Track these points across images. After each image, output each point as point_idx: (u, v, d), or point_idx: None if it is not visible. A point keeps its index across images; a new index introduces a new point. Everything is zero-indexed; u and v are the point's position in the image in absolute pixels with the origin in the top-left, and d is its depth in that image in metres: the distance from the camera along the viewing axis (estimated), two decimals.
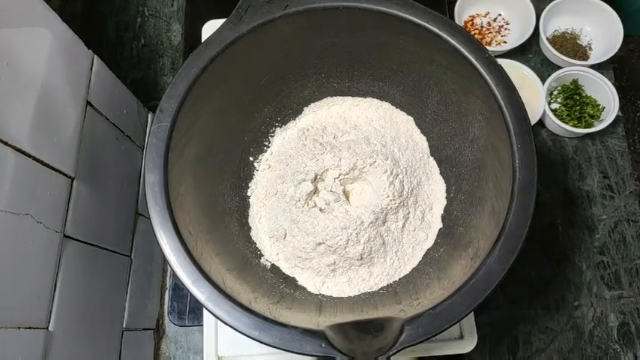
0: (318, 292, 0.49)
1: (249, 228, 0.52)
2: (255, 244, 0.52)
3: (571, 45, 0.77)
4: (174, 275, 0.40)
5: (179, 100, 0.42)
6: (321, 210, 0.49)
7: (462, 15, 0.79)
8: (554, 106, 0.74)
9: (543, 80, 0.72)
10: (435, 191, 0.52)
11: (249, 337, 0.36)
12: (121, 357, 0.59)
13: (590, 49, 0.77)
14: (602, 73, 0.72)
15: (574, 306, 0.68)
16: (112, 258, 0.59)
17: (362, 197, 0.51)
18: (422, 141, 0.54)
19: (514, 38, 0.78)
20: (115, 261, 0.60)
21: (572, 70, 0.73)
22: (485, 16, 0.80)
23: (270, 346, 0.36)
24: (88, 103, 0.54)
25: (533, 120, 0.71)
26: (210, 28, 0.62)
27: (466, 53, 0.42)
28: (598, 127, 0.70)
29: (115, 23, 0.86)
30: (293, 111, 0.56)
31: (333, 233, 0.47)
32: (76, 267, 0.50)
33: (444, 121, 0.51)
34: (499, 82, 0.41)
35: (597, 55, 0.76)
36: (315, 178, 0.50)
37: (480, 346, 0.53)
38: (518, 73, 0.73)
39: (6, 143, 0.41)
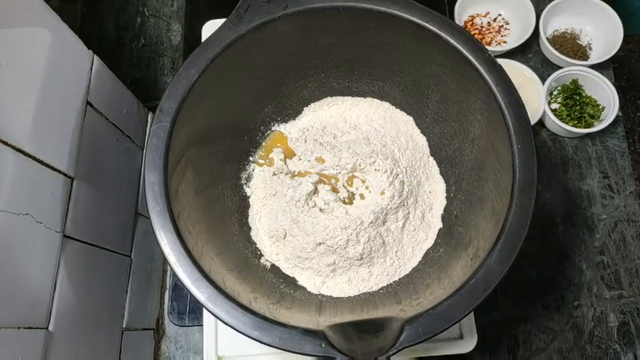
0: (318, 292, 0.49)
1: (249, 228, 0.52)
2: (255, 244, 0.52)
3: (571, 45, 0.77)
4: (174, 275, 0.40)
5: (179, 100, 0.42)
6: (321, 210, 0.49)
7: (462, 15, 0.79)
8: (554, 106, 0.74)
9: (543, 80, 0.72)
10: (435, 191, 0.52)
11: (249, 337, 0.36)
12: (121, 357, 0.59)
13: (590, 49, 0.77)
14: (602, 73, 0.72)
15: (574, 306, 0.68)
16: (112, 258, 0.59)
17: (362, 197, 0.51)
18: (422, 141, 0.54)
19: (514, 38, 0.78)
20: (115, 261, 0.60)
21: (572, 70, 0.73)
22: (485, 16, 0.80)
23: (270, 346, 0.36)
24: (88, 103, 0.54)
25: (533, 120, 0.71)
26: (210, 28, 0.62)
27: (466, 53, 0.43)
28: (598, 127, 0.70)
29: (115, 23, 0.86)
30: (293, 111, 0.56)
31: (333, 233, 0.47)
32: (76, 267, 0.50)
33: (444, 121, 0.51)
34: (499, 82, 0.41)
35: (597, 55, 0.76)
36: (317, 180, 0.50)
37: (479, 346, 0.53)
38: (519, 73, 0.73)
39: (6, 143, 0.41)
